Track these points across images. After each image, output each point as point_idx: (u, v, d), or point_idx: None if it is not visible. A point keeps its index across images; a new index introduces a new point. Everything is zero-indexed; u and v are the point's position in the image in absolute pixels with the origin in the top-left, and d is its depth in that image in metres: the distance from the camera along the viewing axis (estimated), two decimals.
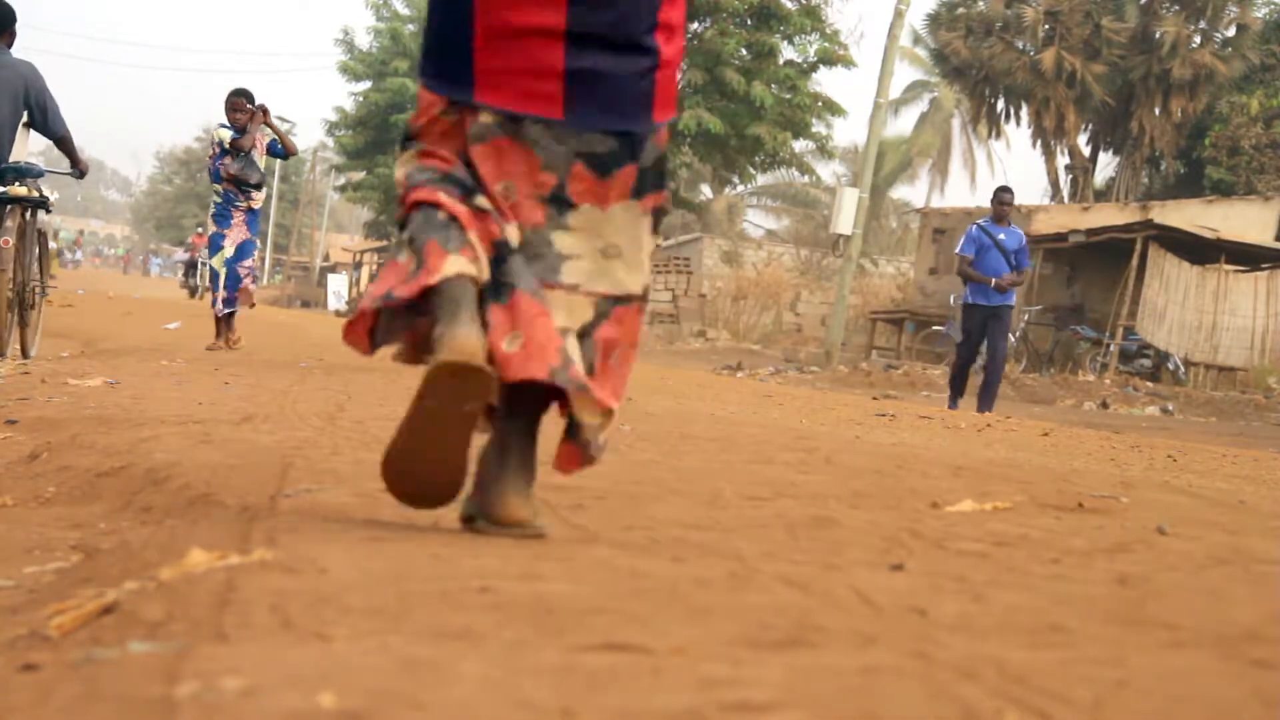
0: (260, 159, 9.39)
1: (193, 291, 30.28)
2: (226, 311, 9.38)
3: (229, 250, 9.31)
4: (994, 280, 10.50)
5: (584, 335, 2.22)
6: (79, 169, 7.91)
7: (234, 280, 9.30)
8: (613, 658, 1.40)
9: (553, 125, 2.19)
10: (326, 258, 49.94)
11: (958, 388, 11.09)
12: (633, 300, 2.27)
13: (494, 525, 2.20)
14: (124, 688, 1.25)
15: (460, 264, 2.10)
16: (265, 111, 9.35)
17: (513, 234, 2.19)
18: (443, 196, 2.17)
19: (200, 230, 34.77)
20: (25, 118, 7.49)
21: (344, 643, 1.42)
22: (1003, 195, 10.89)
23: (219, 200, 9.42)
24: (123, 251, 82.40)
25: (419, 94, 2.30)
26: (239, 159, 9.24)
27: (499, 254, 2.17)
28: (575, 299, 2.21)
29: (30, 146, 8.05)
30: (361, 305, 2.17)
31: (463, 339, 2.03)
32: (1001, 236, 10.65)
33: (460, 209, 2.16)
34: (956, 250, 11.11)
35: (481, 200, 2.19)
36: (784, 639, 1.53)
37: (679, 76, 2.39)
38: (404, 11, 34.19)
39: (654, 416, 5.62)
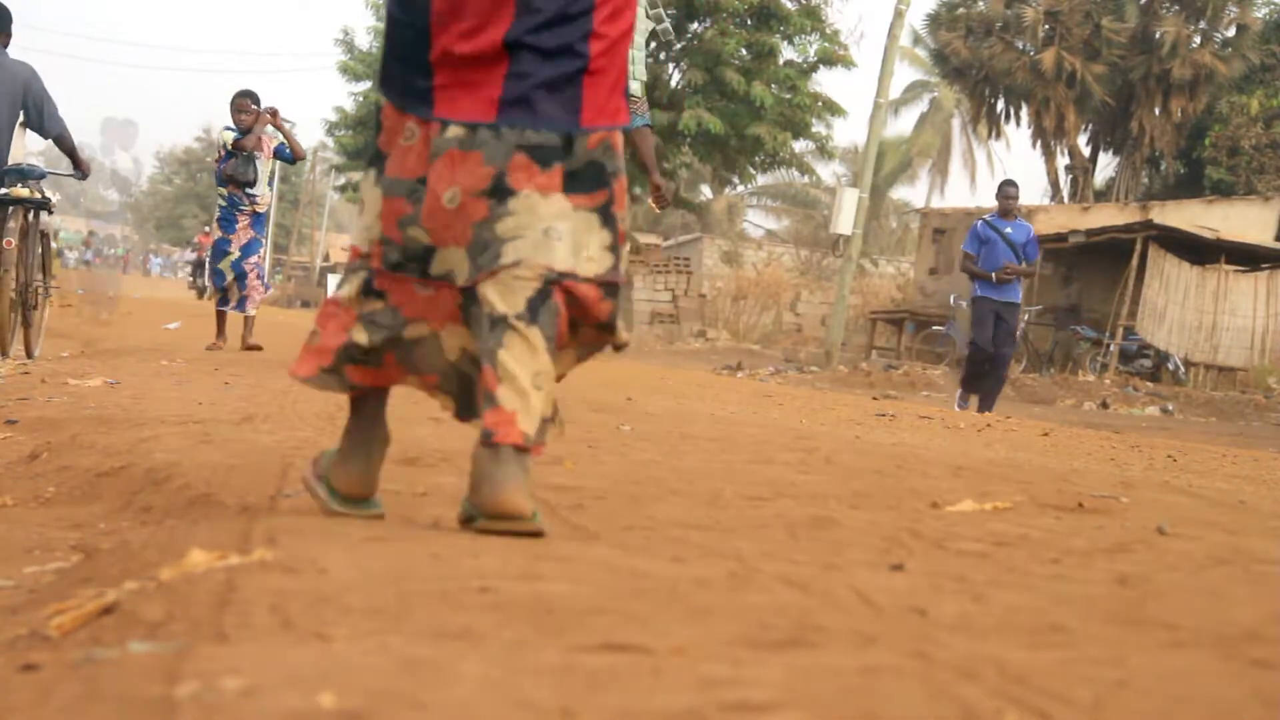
0: (266, 162, 9.30)
1: (201, 292, 30.25)
2: (245, 315, 9.36)
3: (235, 254, 9.27)
4: (994, 273, 10.44)
5: (539, 303, 2.27)
6: (81, 170, 7.88)
7: (243, 277, 9.28)
8: (613, 658, 1.40)
9: (490, 127, 2.31)
10: (326, 258, 49.83)
11: (971, 385, 10.85)
12: (582, 279, 2.31)
13: (492, 519, 2.21)
14: (124, 688, 1.25)
15: (379, 379, 2.45)
16: (274, 113, 9.25)
17: (460, 266, 2.32)
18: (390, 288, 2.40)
19: (207, 230, 34.74)
20: (22, 117, 7.49)
21: (344, 643, 1.42)
22: (1008, 189, 10.80)
23: (224, 204, 9.30)
24: (122, 251, 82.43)
25: (385, 112, 2.42)
26: (238, 158, 9.18)
27: (464, 315, 2.34)
28: (519, 272, 2.27)
29: (30, 146, 8.04)
30: (306, 351, 2.49)
31: (347, 483, 2.42)
32: (1008, 230, 10.55)
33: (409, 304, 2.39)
34: (963, 247, 11.07)
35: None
36: (784, 639, 1.53)
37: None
38: None
39: (654, 416, 5.62)
